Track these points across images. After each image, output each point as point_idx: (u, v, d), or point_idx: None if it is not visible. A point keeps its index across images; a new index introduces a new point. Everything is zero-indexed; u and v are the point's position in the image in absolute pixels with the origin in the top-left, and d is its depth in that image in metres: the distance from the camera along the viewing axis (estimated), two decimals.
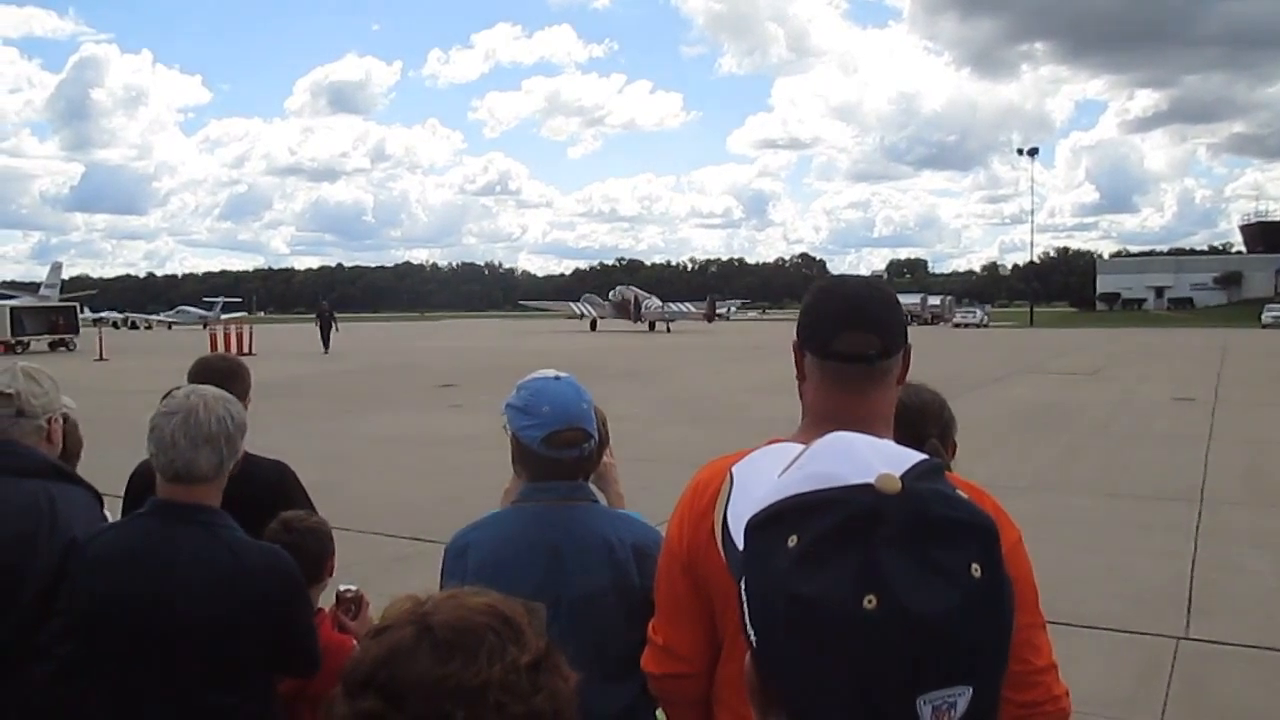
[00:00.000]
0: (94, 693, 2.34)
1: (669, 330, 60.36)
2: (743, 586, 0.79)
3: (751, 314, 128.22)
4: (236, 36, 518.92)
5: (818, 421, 1.90)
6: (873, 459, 0.78)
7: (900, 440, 0.95)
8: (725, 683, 1.94)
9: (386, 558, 7.47)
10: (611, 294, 70.60)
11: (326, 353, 37.51)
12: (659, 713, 2.40)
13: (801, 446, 0.88)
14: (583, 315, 68.89)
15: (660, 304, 67.08)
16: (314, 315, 44.12)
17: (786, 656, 0.74)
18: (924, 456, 0.81)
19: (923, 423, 2.53)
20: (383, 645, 1.07)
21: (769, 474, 0.87)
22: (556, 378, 2.36)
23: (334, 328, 41.38)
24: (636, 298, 66.79)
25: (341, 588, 3.02)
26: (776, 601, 0.74)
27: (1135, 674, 5.54)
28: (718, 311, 70.20)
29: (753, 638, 0.77)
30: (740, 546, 0.82)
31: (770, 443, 1.96)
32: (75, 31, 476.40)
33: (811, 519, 0.74)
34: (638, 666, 2.20)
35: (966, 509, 0.76)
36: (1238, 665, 5.75)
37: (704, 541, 1.87)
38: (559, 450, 2.29)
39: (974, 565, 0.73)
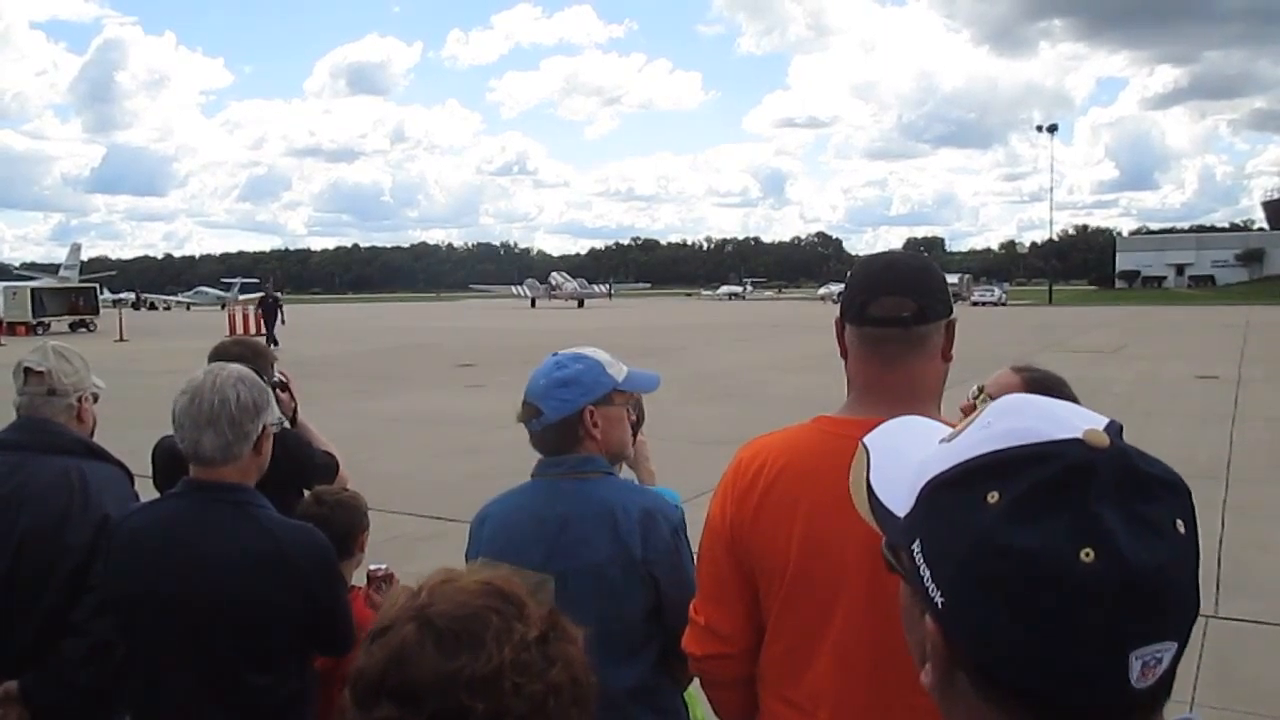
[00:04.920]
0: (128, 671, 2.33)
1: (583, 305, 78.47)
2: (917, 548, 0.78)
3: (768, 293, 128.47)
4: (259, 18, 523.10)
5: (862, 396, 1.87)
6: (1069, 416, 0.77)
7: None
8: (770, 664, 1.91)
9: (410, 536, 7.49)
10: (550, 278, 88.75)
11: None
12: (694, 692, 2.38)
13: (924, 419, 0.91)
14: (524, 296, 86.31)
15: (577, 287, 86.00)
16: (258, 300, 34.90)
17: (986, 614, 0.72)
18: (1110, 418, 0.79)
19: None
20: (387, 648, 1.04)
21: (916, 440, 0.87)
22: (555, 353, 2.39)
23: (280, 316, 32.67)
24: (559, 281, 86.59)
25: (372, 566, 3.01)
26: (979, 557, 0.72)
27: None
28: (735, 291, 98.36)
29: (939, 598, 0.75)
30: (900, 511, 0.81)
31: (819, 420, 1.95)
32: (100, 14, 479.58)
33: (1019, 473, 0.73)
34: (646, 643, 2.21)
35: (1163, 466, 0.76)
36: (1269, 644, 5.70)
37: (748, 519, 1.85)
38: (524, 423, 2.35)
39: (1178, 521, 0.73)
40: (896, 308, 1.78)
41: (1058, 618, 0.69)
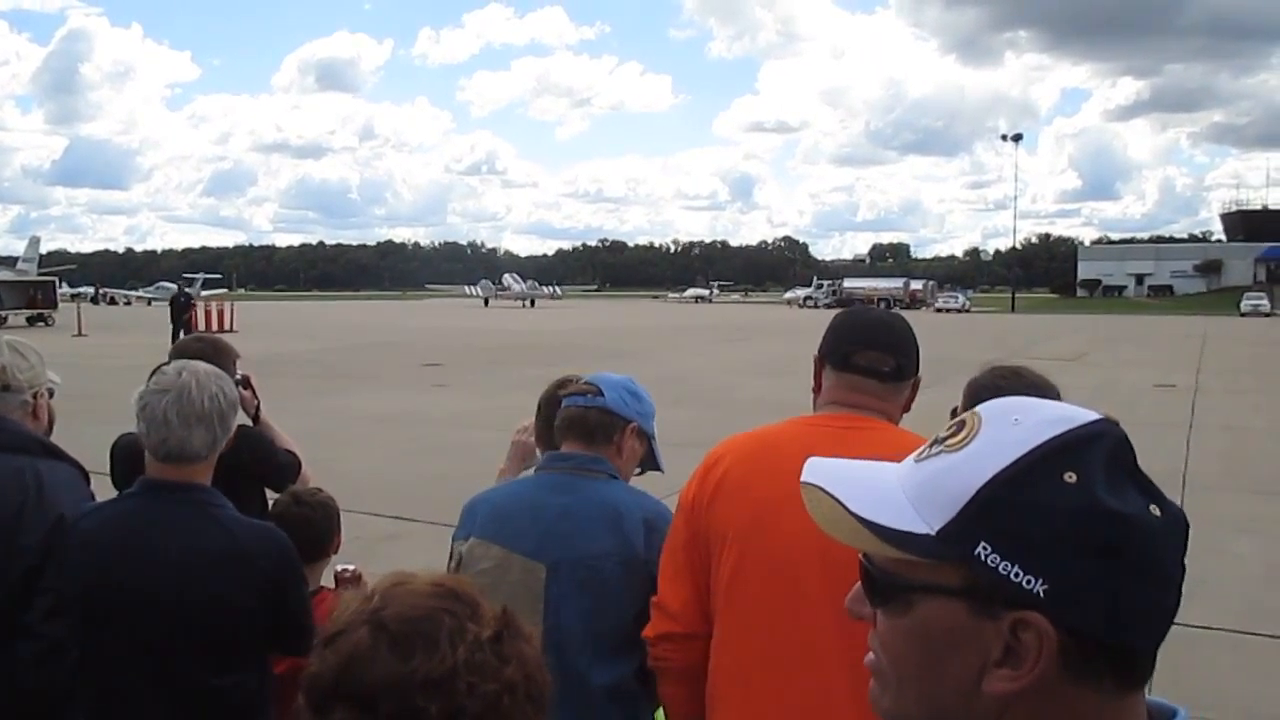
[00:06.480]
0: (84, 673, 2.30)
1: (533, 304, 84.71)
2: (985, 551, 0.78)
3: (734, 296, 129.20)
4: (228, 12, 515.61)
5: (832, 409, 2.04)
6: (1072, 406, 0.86)
7: None
8: (719, 646, 1.97)
9: (373, 536, 7.42)
10: (502, 279, 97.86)
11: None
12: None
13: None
14: (478, 295, 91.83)
15: (524, 288, 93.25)
16: (170, 301, 31.55)
17: (1106, 579, 0.77)
18: None
19: None
20: (340, 652, 1.04)
21: (868, 466, 0.89)
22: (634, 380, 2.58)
23: (193, 319, 29.11)
24: (509, 283, 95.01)
25: (339, 567, 3.00)
26: (1087, 529, 0.77)
27: None
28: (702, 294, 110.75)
29: (1039, 587, 0.77)
30: (918, 528, 0.81)
31: (792, 419, 2.02)
32: (65, 5, 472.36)
33: (1088, 452, 0.79)
34: (635, 643, 2.20)
35: None
36: (1221, 650, 5.79)
37: (709, 493, 2.00)
38: (570, 397, 2.40)
39: None
40: (879, 362, 2.01)
41: (1156, 567, 0.79)
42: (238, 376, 3.44)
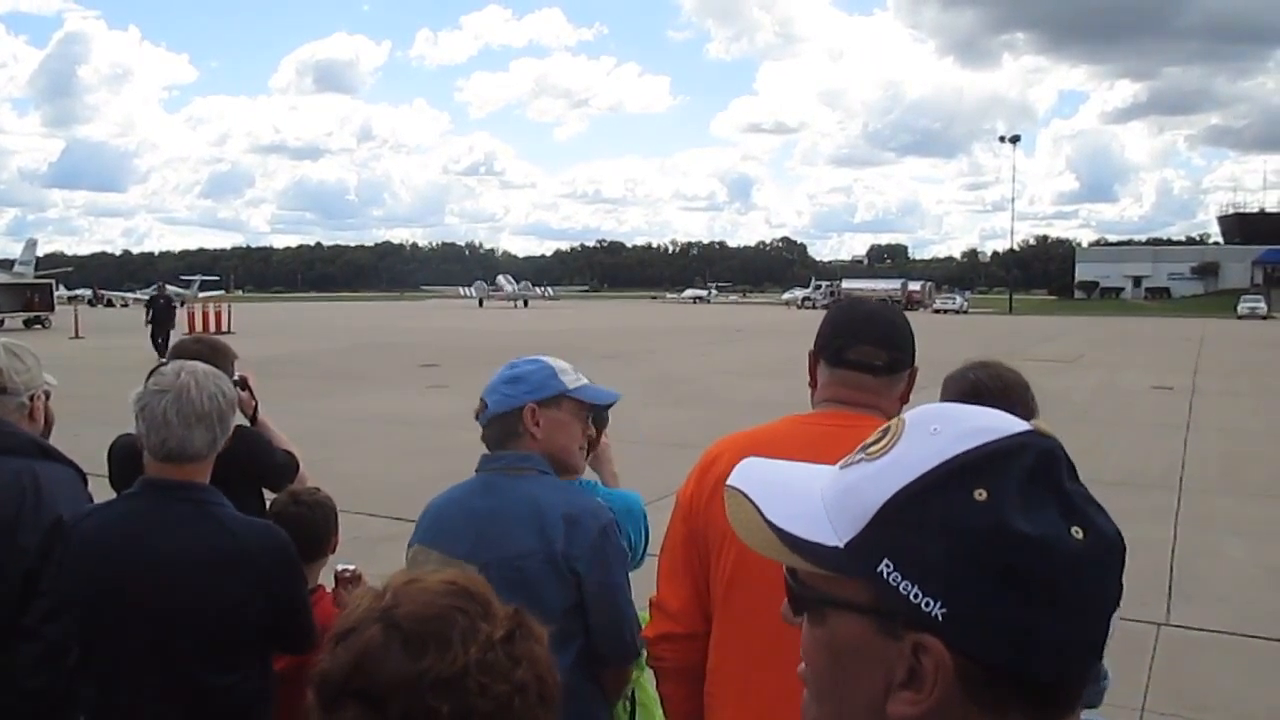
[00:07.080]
0: (84, 674, 2.30)
1: (527, 305, 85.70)
2: (887, 568, 0.74)
3: (732, 297, 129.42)
4: (226, 14, 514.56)
5: (827, 407, 2.05)
6: (999, 414, 0.80)
7: None
8: (718, 644, 1.99)
9: (370, 537, 7.43)
10: (498, 279, 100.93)
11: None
12: (655, 694, 2.38)
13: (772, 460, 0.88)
14: (472, 296, 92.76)
15: (516, 289, 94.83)
16: (146, 303, 30.15)
17: (1006, 607, 0.71)
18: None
19: (1008, 404, 2.41)
20: (351, 650, 1.04)
21: (793, 472, 0.85)
22: (516, 361, 2.50)
23: (174, 321, 28.12)
24: (501, 284, 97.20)
25: (340, 567, 3.01)
26: (991, 553, 0.71)
27: (1116, 660, 5.53)
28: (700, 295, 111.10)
29: (938, 610, 0.72)
30: (828, 540, 0.77)
31: (787, 417, 2.04)
32: (62, 8, 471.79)
33: (1002, 467, 0.74)
34: (566, 641, 2.22)
35: None
36: (1218, 652, 5.80)
37: (706, 494, 2.01)
38: (476, 418, 2.44)
39: None
40: (871, 356, 2.02)
41: (1069, 595, 0.72)
42: (236, 377, 3.44)
